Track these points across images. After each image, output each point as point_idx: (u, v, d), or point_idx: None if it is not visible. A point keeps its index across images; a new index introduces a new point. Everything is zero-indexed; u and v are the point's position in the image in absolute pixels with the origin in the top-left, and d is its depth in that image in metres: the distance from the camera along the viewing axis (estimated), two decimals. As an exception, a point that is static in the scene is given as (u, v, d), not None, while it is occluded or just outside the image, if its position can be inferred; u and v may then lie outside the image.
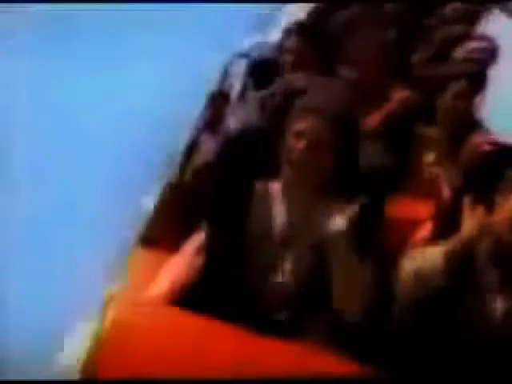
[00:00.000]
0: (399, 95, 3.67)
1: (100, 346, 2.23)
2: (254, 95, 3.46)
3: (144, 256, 2.82)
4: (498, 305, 2.45)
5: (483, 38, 4.52)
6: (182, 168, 3.22)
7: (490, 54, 4.40)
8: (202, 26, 5.19)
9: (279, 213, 2.47)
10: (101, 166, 4.17)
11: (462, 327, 2.45)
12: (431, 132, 3.68)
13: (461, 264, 2.46)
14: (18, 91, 4.58)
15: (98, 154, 4.21)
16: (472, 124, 3.71)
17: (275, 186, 2.51)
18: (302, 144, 2.42)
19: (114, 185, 4.00)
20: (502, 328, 2.43)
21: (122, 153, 4.22)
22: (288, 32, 3.74)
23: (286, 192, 2.48)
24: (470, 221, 2.45)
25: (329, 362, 2.25)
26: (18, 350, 3.09)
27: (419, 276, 2.47)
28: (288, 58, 3.53)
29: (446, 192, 2.80)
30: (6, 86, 4.57)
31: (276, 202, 2.48)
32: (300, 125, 2.44)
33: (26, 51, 4.90)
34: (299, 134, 2.43)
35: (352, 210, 2.34)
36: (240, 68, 3.95)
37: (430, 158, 3.60)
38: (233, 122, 3.22)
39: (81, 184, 4.02)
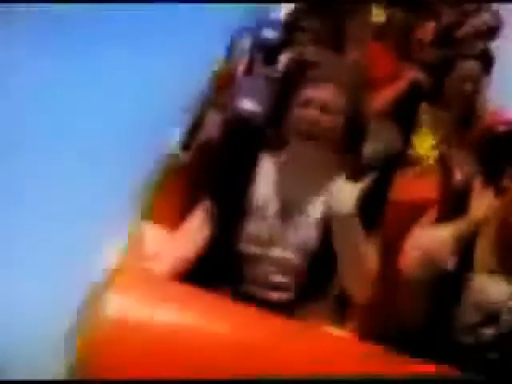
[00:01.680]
0: (408, 75, 3.65)
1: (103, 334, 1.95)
2: (262, 71, 3.43)
3: (145, 231, 2.79)
4: (500, 288, 2.44)
5: (486, 10, 4.52)
6: (186, 144, 3.19)
7: (493, 25, 4.40)
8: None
9: (281, 187, 2.43)
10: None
11: (462, 310, 2.43)
12: (439, 112, 3.65)
13: (466, 246, 2.46)
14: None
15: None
16: (480, 105, 3.69)
17: (275, 161, 2.47)
18: (311, 111, 2.36)
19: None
20: (504, 312, 2.42)
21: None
22: (299, 11, 3.72)
23: (290, 166, 2.43)
24: (480, 203, 2.43)
25: (339, 342, 2.23)
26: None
27: (427, 258, 2.45)
28: (301, 36, 3.50)
29: (458, 175, 2.78)
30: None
31: (277, 176, 2.44)
32: (308, 92, 2.38)
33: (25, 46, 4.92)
34: (308, 102, 2.37)
35: (359, 189, 2.30)
36: (245, 45, 3.91)
37: (437, 138, 3.58)
38: (240, 99, 3.16)
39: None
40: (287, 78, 2.48)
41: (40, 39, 5.05)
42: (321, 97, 2.37)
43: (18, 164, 3.96)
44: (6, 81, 4.50)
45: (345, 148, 2.42)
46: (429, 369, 2.11)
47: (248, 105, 3.00)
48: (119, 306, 1.99)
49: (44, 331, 2.96)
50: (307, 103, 2.37)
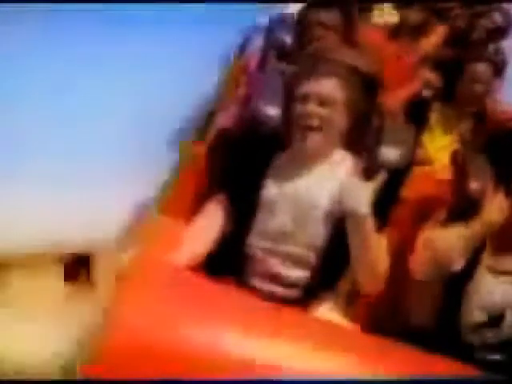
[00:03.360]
0: (421, 76, 3.67)
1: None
2: (276, 67, 3.42)
3: (160, 224, 2.80)
4: (505, 289, 2.46)
5: (496, 9, 4.54)
6: (200, 135, 3.21)
7: (503, 24, 4.42)
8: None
9: (288, 182, 2.42)
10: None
11: (468, 310, 2.45)
12: (451, 113, 3.67)
13: (475, 248, 2.47)
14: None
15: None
16: (492, 105, 3.70)
17: (283, 157, 2.47)
18: (310, 106, 2.37)
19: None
20: (508, 313, 2.44)
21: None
22: (310, 6, 3.70)
23: (296, 161, 2.44)
24: (492, 206, 2.44)
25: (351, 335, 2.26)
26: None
27: (436, 258, 2.46)
28: (316, 30, 3.49)
29: (473, 182, 2.78)
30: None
31: (285, 171, 2.44)
32: (308, 86, 2.39)
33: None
34: (307, 97, 2.38)
35: (373, 188, 2.31)
36: (258, 42, 3.92)
37: (449, 139, 3.60)
38: (259, 100, 3.12)
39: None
40: (293, 74, 2.48)
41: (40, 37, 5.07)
42: (319, 90, 2.37)
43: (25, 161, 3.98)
44: (5, 80, 4.52)
45: (351, 141, 2.43)
46: (446, 366, 2.13)
47: (267, 108, 2.98)
48: (135, 311, 1.93)
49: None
50: (306, 98, 2.37)
